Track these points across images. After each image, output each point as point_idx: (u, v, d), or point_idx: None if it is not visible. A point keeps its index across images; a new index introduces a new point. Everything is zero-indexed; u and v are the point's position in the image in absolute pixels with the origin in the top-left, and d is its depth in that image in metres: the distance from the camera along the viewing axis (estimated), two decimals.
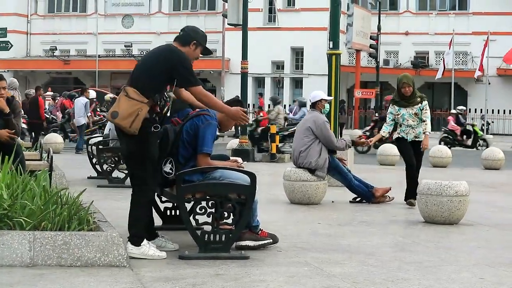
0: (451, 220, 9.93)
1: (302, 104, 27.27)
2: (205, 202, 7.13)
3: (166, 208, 8.61)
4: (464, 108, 33.57)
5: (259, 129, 25.27)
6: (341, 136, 26.19)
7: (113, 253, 6.49)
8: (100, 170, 14.33)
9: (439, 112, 47.06)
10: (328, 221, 10.06)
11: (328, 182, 12.38)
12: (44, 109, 26.45)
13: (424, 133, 11.76)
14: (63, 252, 6.40)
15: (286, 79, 52.00)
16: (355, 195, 12.26)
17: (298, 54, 52.26)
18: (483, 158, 21.60)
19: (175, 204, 8.28)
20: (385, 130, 12.11)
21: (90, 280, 6.03)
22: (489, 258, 7.64)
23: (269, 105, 41.35)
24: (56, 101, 33.42)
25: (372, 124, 27.90)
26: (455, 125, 30.78)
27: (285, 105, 48.77)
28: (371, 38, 44.71)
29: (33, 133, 24.34)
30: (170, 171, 7.33)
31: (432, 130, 12.14)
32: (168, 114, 7.33)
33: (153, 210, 7.82)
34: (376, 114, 31.53)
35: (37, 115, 23.79)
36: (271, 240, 7.71)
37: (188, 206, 7.23)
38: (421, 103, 11.79)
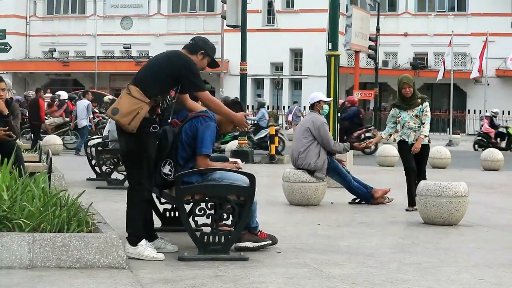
0: (450, 221, 9.93)
1: (261, 105, 27.64)
2: (204, 203, 7.13)
3: (165, 210, 8.61)
4: (497, 110, 33.61)
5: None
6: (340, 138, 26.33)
7: (112, 255, 6.49)
8: (99, 172, 14.32)
9: (438, 113, 47.08)
10: (327, 222, 10.05)
11: (327, 183, 12.39)
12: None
13: (421, 135, 11.40)
14: (62, 254, 6.39)
15: (285, 80, 52.01)
16: (354, 196, 12.26)
17: (297, 55, 52.29)
18: (482, 159, 21.60)
19: (174, 206, 8.28)
20: (385, 132, 12.04)
21: (90, 281, 6.03)
22: (488, 259, 7.64)
23: (252, 107, 41.47)
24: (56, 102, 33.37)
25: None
26: (489, 127, 30.79)
27: (284, 107, 48.86)
28: (370, 39, 44.75)
29: (32, 135, 24.36)
30: (169, 173, 7.33)
31: (432, 131, 11.97)
32: (170, 119, 7.38)
33: (153, 212, 7.83)
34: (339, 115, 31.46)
35: (37, 116, 23.85)
36: (270, 242, 7.71)
37: (187, 207, 7.22)
38: (422, 105, 11.47)
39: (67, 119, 27.77)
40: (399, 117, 11.60)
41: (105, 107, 31.81)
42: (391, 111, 11.90)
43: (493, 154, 21.56)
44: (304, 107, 43.68)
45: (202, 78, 7.34)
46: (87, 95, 26.04)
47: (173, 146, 7.35)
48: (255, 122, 26.03)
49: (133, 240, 7.04)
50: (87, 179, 14.90)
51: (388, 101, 53.10)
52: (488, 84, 41.75)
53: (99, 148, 14.30)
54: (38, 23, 58.93)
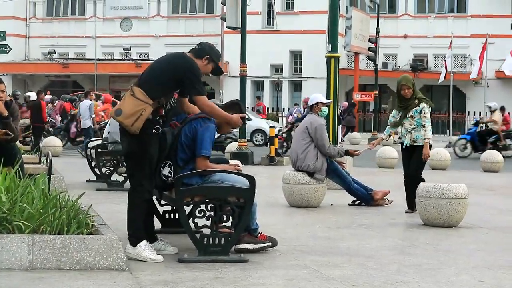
0: (450, 223, 9.93)
1: None
2: (204, 205, 7.14)
3: (165, 212, 8.61)
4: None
5: None
6: (340, 140, 26.41)
7: (112, 257, 6.49)
8: (99, 174, 14.31)
9: (438, 115, 47.07)
10: (327, 224, 10.05)
11: (327, 185, 12.39)
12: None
13: (424, 139, 11.08)
14: (62, 256, 6.39)
15: (285, 82, 51.96)
16: (354, 198, 12.26)
17: (296, 57, 52.26)
18: (482, 160, 21.60)
19: (174, 207, 8.28)
20: (385, 133, 12.03)
21: (89, 283, 6.03)
22: (488, 261, 7.64)
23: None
24: (55, 104, 33.42)
25: (289, 126, 27.73)
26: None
27: (284, 108, 48.85)
28: (369, 41, 44.73)
29: (32, 137, 24.40)
30: (169, 174, 7.34)
31: (431, 132, 11.27)
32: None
33: (153, 214, 7.83)
34: (291, 117, 31.42)
35: (39, 118, 23.97)
36: (270, 243, 7.71)
37: (187, 209, 7.22)
38: (419, 106, 11.13)
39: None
40: (398, 118, 11.48)
41: None
42: (393, 111, 11.84)
43: (492, 156, 21.56)
44: (304, 109, 43.63)
45: (202, 79, 7.35)
46: (89, 95, 26.09)
47: (172, 147, 7.37)
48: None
49: (134, 240, 7.06)
50: (87, 181, 14.90)
51: (388, 102, 53.12)
52: (488, 86, 41.71)
53: (99, 150, 14.30)
54: (38, 24, 58.89)
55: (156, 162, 7.23)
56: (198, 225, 7.21)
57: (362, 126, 49.52)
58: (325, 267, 7.05)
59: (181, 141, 7.38)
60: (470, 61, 49.87)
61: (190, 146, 7.35)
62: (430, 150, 11.27)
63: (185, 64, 7.14)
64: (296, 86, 52.61)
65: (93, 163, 14.94)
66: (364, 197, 12.14)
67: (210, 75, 7.54)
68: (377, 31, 43.49)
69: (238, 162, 7.85)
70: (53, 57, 55.73)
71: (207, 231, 7.19)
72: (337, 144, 16.23)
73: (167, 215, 8.61)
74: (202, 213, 7.11)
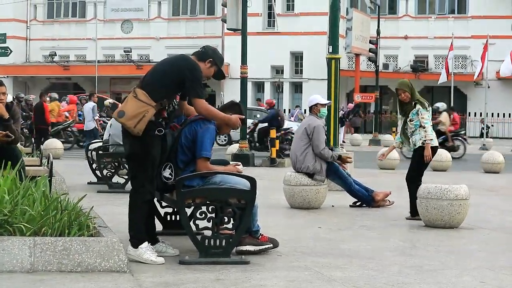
0: (451, 224, 9.93)
1: None
2: (205, 207, 7.14)
3: (166, 213, 8.61)
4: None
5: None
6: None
7: (114, 259, 6.49)
8: (100, 176, 14.31)
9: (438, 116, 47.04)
10: (328, 226, 10.05)
11: (328, 186, 12.39)
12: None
13: (424, 141, 10.74)
14: (64, 258, 6.40)
15: (286, 83, 52.01)
16: (355, 200, 12.26)
17: (297, 58, 52.30)
18: (483, 161, 21.60)
19: (175, 209, 8.28)
20: (397, 140, 11.55)
21: (91, 285, 6.03)
22: (489, 262, 7.64)
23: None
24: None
25: (252, 126, 27.77)
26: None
27: (285, 110, 48.84)
28: (370, 42, 44.73)
29: (33, 139, 24.45)
30: (170, 176, 7.35)
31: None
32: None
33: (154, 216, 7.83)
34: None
35: (43, 120, 24.11)
36: (271, 245, 7.71)
37: (188, 211, 7.23)
38: (415, 108, 10.81)
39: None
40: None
41: (106, 111, 31.88)
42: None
43: (494, 156, 21.56)
44: (305, 110, 43.64)
45: (202, 81, 7.36)
46: (93, 98, 26.25)
47: (172, 149, 7.38)
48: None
49: (135, 242, 7.06)
50: (88, 183, 14.90)
51: (389, 104, 53.12)
52: (489, 87, 41.73)
53: (100, 152, 14.30)
54: (39, 27, 58.96)
55: (158, 164, 7.24)
56: (199, 227, 7.21)
57: (363, 127, 49.50)
58: (327, 269, 7.05)
59: (181, 143, 7.39)
60: (471, 62, 49.89)
61: (191, 147, 7.36)
62: (435, 151, 10.94)
63: (188, 66, 7.15)
64: (297, 88, 52.64)
65: (94, 165, 14.94)
66: (365, 198, 12.14)
67: (212, 78, 7.53)
68: (378, 32, 43.49)
69: (239, 164, 7.83)
70: (54, 59, 55.80)
71: (208, 233, 7.19)
72: (338, 145, 16.19)
73: (168, 217, 8.62)
74: (203, 215, 7.11)
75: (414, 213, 10.68)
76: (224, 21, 27.07)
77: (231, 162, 8.10)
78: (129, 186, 7.77)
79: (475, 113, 48.80)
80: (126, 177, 13.39)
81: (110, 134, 14.33)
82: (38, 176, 8.09)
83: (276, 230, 8.88)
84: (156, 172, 7.25)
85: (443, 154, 21.61)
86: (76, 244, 6.42)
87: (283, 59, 51.49)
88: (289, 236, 8.92)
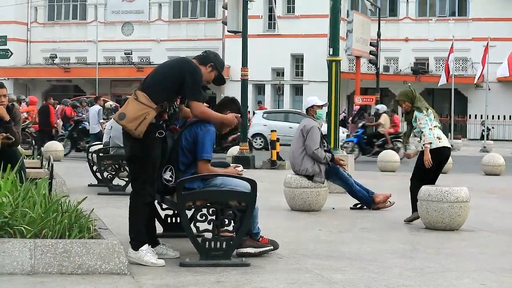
0: (452, 226, 9.93)
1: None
2: (206, 209, 7.14)
3: (167, 216, 8.60)
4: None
5: None
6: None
7: (114, 261, 6.49)
8: (101, 178, 14.31)
9: (439, 118, 47.01)
10: (328, 228, 10.05)
11: (329, 188, 12.38)
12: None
13: (424, 144, 10.65)
14: (64, 260, 6.40)
15: (286, 86, 52.01)
16: (355, 202, 12.25)
17: (298, 61, 52.29)
18: (483, 163, 21.60)
19: (176, 212, 8.28)
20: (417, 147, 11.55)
21: (91, 287, 6.03)
22: (490, 264, 7.64)
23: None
24: (57, 108, 33.46)
25: None
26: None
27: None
28: (371, 44, 44.76)
29: (33, 141, 24.48)
30: (170, 179, 7.36)
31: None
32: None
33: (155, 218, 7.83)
34: None
35: (47, 122, 24.20)
36: (272, 247, 7.71)
37: (189, 213, 7.23)
38: (413, 114, 10.82)
39: None
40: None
41: (106, 113, 31.87)
42: None
43: (494, 159, 21.56)
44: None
45: (205, 84, 7.38)
46: (98, 101, 26.34)
47: (173, 152, 7.38)
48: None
49: (135, 244, 7.06)
50: (89, 185, 14.90)
51: (389, 106, 53.08)
52: (489, 89, 41.73)
53: (100, 154, 14.30)
54: (39, 29, 58.96)
55: (158, 166, 7.24)
56: (200, 229, 7.21)
57: None
58: (327, 271, 7.05)
59: (181, 146, 7.40)
60: (472, 65, 49.87)
61: (191, 150, 7.37)
62: (441, 152, 10.76)
63: (189, 69, 7.15)
64: (297, 90, 52.62)
65: (94, 168, 14.94)
66: (366, 200, 12.13)
67: (212, 83, 7.53)
68: (378, 35, 43.53)
69: (240, 166, 7.84)
70: (55, 62, 55.82)
71: (208, 235, 7.19)
72: (338, 146, 16.18)
73: (169, 219, 8.61)
74: (204, 217, 7.11)
75: (413, 209, 10.61)
76: (224, 23, 27.09)
77: (231, 164, 8.11)
78: (129, 188, 7.77)
79: (476, 115, 48.78)
80: (127, 179, 13.39)
81: (110, 136, 14.34)
82: (39, 178, 8.09)
83: (276, 232, 8.88)
84: (157, 174, 7.25)
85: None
86: (76, 246, 6.42)
87: (283, 61, 51.48)
88: (289, 238, 8.93)
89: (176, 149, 7.40)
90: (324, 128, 14.17)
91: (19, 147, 10.28)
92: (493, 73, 41.35)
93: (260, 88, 52.46)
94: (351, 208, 12.21)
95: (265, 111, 39.47)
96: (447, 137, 33.37)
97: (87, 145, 20.36)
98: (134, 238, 7.09)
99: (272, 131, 23.42)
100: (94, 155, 14.66)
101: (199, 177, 7.25)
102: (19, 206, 6.70)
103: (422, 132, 10.73)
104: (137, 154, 7.06)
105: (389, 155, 22.10)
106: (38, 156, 13.79)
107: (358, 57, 48.06)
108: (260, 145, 35.04)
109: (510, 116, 48.98)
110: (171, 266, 6.99)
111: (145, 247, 7.05)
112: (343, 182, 12.23)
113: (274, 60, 50.90)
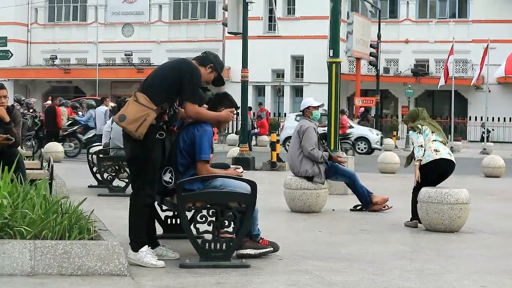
0: (452, 228, 9.93)
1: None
2: (206, 210, 7.13)
3: (166, 217, 8.60)
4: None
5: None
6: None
7: (114, 262, 6.49)
8: (101, 179, 14.31)
9: (439, 120, 47.05)
10: (328, 229, 10.05)
11: (329, 190, 12.38)
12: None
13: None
14: (64, 261, 6.39)
15: (286, 87, 52.01)
16: (355, 203, 12.25)
17: (298, 62, 52.30)
18: (483, 165, 21.60)
19: (176, 213, 8.27)
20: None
21: None
22: (490, 266, 7.64)
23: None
24: None
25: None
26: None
27: (285, 114, 48.84)
28: (371, 46, 44.77)
29: (34, 141, 24.55)
30: (170, 180, 7.36)
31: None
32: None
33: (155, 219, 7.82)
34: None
35: (53, 123, 24.30)
36: (272, 249, 7.71)
37: (189, 214, 7.22)
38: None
39: None
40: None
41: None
42: None
43: (494, 161, 21.57)
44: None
45: (204, 85, 7.37)
46: (105, 102, 26.35)
47: (172, 153, 7.38)
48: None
49: (135, 245, 7.05)
50: (89, 186, 14.89)
51: (389, 108, 53.10)
52: (490, 91, 41.74)
53: (101, 155, 14.30)
54: (40, 30, 58.96)
55: (159, 168, 7.24)
56: (200, 231, 7.21)
57: None
58: (327, 273, 7.05)
59: (179, 147, 7.40)
60: (472, 66, 49.88)
61: (189, 151, 7.37)
62: (436, 165, 10.57)
63: (188, 70, 7.15)
64: (297, 92, 52.63)
65: (94, 169, 14.94)
66: (365, 198, 12.12)
67: (212, 84, 7.53)
68: (379, 36, 43.53)
69: (240, 168, 7.83)
70: (55, 63, 55.81)
71: (208, 236, 7.19)
72: (338, 147, 16.18)
73: (169, 220, 8.61)
74: (204, 219, 7.11)
75: (413, 216, 10.61)
76: (225, 24, 27.07)
77: (231, 166, 8.11)
78: (129, 190, 7.78)
79: (476, 117, 48.77)
80: (127, 180, 13.38)
81: (110, 137, 14.34)
82: (39, 180, 8.09)
83: (276, 234, 8.87)
84: (157, 176, 7.25)
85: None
86: (76, 247, 6.42)
87: (283, 62, 51.49)
88: (289, 239, 8.92)
89: (174, 151, 7.40)
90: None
91: (19, 148, 10.28)
92: (493, 75, 41.38)
93: (260, 90, 52.46)
94: (351, 209, 12.21)
95: (297, 114, 39.51)
96: (448, 138, 33.21)
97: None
98: (134, 240, 7.08)
99: (271, 132, 23.36)
100: (94, 156, 14.66)
101: (199, 178, 7.26)
102: (19, 207, 6.69)
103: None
104: (137, 156, 7.06)
105: (389, 157, 22.09)
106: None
107: (358, 59, 48.08)
108: None
109: (510, 118, 48.97)
110: (171, 267, 6.99)
111: (145, 248, 7.05)
112: (345, 177, 12.22)
113: (274, 62, 50.91)
